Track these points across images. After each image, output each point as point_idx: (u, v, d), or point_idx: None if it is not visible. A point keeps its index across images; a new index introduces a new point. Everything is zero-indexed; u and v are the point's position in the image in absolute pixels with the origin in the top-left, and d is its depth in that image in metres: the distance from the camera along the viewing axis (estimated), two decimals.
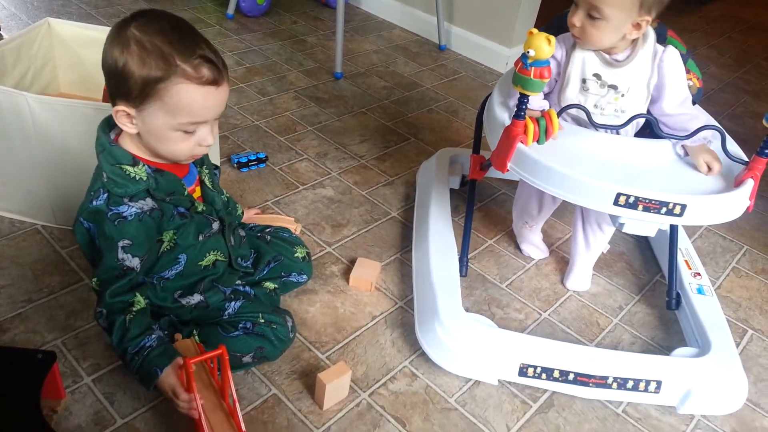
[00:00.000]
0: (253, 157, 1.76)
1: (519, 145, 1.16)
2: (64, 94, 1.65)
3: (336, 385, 1.11)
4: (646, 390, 1.21)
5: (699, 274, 1.48)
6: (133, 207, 0.97)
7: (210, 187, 1.13)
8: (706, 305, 1.39)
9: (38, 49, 1.56)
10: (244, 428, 0.97)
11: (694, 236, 1.76)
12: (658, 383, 1.21)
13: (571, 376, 1.21)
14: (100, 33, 1.59)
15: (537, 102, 1.21)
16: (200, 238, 1.10)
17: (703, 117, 1.27)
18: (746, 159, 1.19)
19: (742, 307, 1.53)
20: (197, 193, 1.11)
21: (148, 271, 1.09)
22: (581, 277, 1.51)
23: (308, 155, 1.87)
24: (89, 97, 1.57)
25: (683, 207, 1.10)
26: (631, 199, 1.10)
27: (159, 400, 1.10)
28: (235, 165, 1.75)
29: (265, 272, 1.29)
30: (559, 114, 1.18)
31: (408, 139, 2.02)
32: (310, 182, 1.75)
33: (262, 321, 1.15)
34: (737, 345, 1.41)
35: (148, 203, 0.99)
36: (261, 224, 1.40)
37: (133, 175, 0.97)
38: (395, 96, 2.28)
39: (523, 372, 1.22)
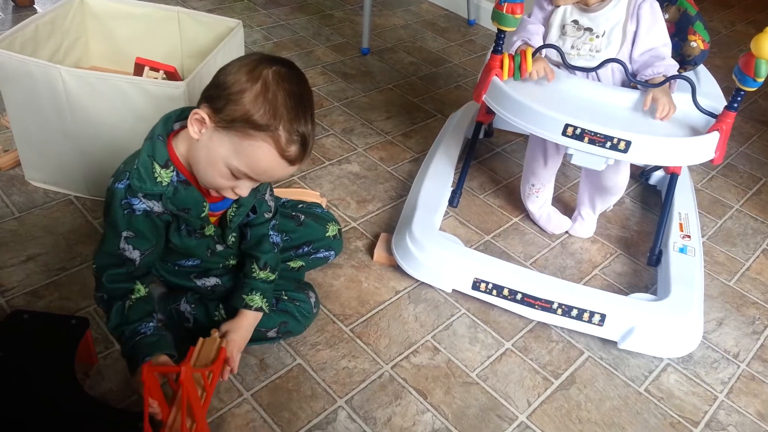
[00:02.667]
0: None
1: (494, 78, 1.32)
2: (96, 67, 1.67)
3: None
4: (589, 321, 1.26)
5: (689, 236, 1.49)
6: (143, 203, 0.97)
7: (228, 222, 1.09)
8: (682, 262, 1.42)
9: (71, 23, 1.58)
10: None
11: (725, 216, 1.73)
12: (603, 316, 1.26)
13: (518, 296, 1.29)
14: (132, 7, 1.61)
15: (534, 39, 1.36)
16: (208, 253, 1.12)
17: (671, 63, 1.33)
18: (716, 113, 1.27)
19: None
20: (214, 218, 1.08)
21: (164, 258, 1.11)
22: (585, 227, 1.59)
23: (334, 131, 1.88)
24: (121, 70, 1.59)
25: (628, 143, 1.20)
26: (578, 131, 1.21)
27: None
28: None
29: (293, 255, 1.31)
30: (535, 53, 1.32)
31: (435, 116, 2.01)
32: (336, 158, 1.76)
33: (286, 298, 1.18)
34: (765, 328, 1.40)
35: (159, 207, 0.98)
36: (292, 200, 1.42)
37: (156, 176, 0.96)
38: (422, 72, 2.27)
39: (476, 286, 1.31)
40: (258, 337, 1.16)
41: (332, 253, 1.37)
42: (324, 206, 1.50)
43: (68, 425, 0.92)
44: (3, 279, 1.26)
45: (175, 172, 0.97)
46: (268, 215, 1.16)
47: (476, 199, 1.67)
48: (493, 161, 1.83)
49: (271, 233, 1.17)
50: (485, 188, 1.71)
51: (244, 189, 0.96)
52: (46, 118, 1.36)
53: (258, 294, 1.12)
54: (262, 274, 1.14)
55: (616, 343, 1.28)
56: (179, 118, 1.01)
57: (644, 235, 1.61)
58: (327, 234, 1.35)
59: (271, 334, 1.17)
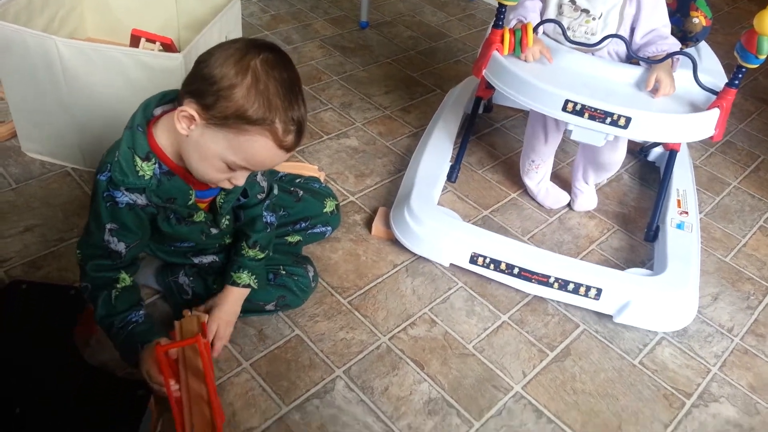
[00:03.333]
0: None
1: (495, 53, 1.32)
2: (91, 39, 1.66)
3: None
4: (586, 295, 1.28)
5: (687, 213, 1.50)
6: (126, 196, 0.95)
7: (219, 208, 1.07)
8: (679, 238, 1.42)
9: None
10: (221, 416, 0.97)
11: (723, 193, 1.73)
12: (599, 290, 1.27)
13: (516, 270, 1.29)
14: None
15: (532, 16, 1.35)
16: (203, 237, 1.10)
17: (674, 41, 1.32)
18: (717, 90, 1.27)
19: (767, 265, 1.52)
20: (203, 205, 1.06)
21: (159, 241, 1.10)
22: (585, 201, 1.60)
23: (333, 105, 1.87)
24: (117, 42, 1.58)
25: (628, 119, 1.19)
26: (578, 107, 1.21)
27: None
28: None
29: (290, 230, 1.31)
30: (535, 29, 1.32)
31: (434, 91, 2.00)
32: (334, 132, 1.75)
33: (284, 272, 1.18)
34: (759, 303, 1.41)
35: (142, 199, 0.96)
36: (290, 174, 1.41)
37: (138, 169, 0.93)
38: (422, 46, 2.25)
39: (473, 260, 1.32)
40: (256, 309, 1.17)
41: (329, 228, 1.37)
42: (322, 180, 1.50)
43: (69, 394, 0.93)
44: (1, 249, 1.27)
45: (157, 164, 0.94)
46: (261, 196, 1.13)
47: (475, 174, 1.67)
48: (492, 136, 1.83)
49: (265, 213, 1.14)
50: (484, 163, 1.71)
51: (241, 179, 0.94)
52: (41, 89, 1.35)
53: (246, 272, 1.12)
54: (251, 252, 1.13)
55: (611, 317, 1.29)
56: (159, 103, 0.97)
57: (642, 211, 1.62)
58: (324, 210, 1.35)
59: (269, 307, 1.18)
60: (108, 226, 0.97)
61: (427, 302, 1.29)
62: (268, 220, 1.16)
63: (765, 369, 1.26)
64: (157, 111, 0.97)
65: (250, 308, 1.16)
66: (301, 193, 1.33)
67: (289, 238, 1.30)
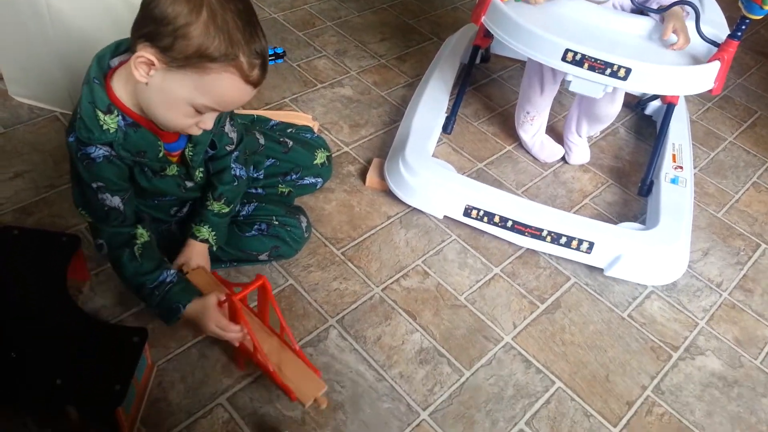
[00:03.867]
0: (270, 52, 1.72)
1: (495, 0, 1.30)
2: None
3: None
4: (578, 249, 1.29)
5: (681, 167, 1.50)
6: (100, 149, 0.91)
7: (189, 161, 1.03)
8: (672, 192, 1.43)
9: None
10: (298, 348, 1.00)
11: (718, 148, 1.73)
12: (591, 244, 1.28)
13: (509, 223, 1.30)
14: None
15: None
16: (181, 190, 1.07)
17: None
18: (719, 42, 1.25)
19: (758, 221, 1.53)
20: (175, 157, 1.03)
21: (141, 196, 1.06)
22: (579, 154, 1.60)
23: (327, 52, 1.82)
24: None
25: (628, 71, 1.18)
26: (578, 57, 1.19)
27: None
28: None
29: (279, 180, 1.29)
30: None
31: (430, 39, 1.96)
32: (328, 80, 1.72)
33: (277, 223, 1.17)
34: (749, 258, 1.42)
35: (115, 151, 0.93)
36: (282, 123, 1.39)
37: (102, 123, 0.89)
38: None
39: (467, 213, 1.32)
40: (250, 259, 1.17)
41: (320, 180, 1.36)
42: (315, 130, 1.48)
43: (63, 340, 0.93)
44: None
45: (120, 116, 0.90)
46: (229, 147, 1.10)
47: (470, 126, 1.65)
48: (489, 88, 1.80)
49: (234, 165, 1.11)
50: (480, 115, 1.69)
51: (209, 122, 0.91)
52: (27, 30, 1.30)
53: (206, 227, 1.09)
54: (216, 206, 1.10)
55: (602, 270, 1.30)
56: (114, 53, 0.92)
57: (636, 166, 1.61)
58: (315, 161, 1.33)
59: (263, 257, 1.18)
60: (94, 185, 0.94)
61: (420, 254, 1.30)
62: (237, 173, 1.12)
63: (751, 323, 1.28)
64: (114, 62, 0.93)
65: (243, 258, 1.17)
66: (291, 143, 1.31)
67: (280, 188, 1.29)
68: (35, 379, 0.88)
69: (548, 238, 1.29)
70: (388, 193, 1.40)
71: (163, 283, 0.99)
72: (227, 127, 1.08)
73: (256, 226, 1.16)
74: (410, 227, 1.35)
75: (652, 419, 1.09)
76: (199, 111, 0.88)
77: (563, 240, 1.28)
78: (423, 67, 1.80)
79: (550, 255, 1.33)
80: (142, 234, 1.00)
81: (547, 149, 1.57)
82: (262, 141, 1.26)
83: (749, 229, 1.50)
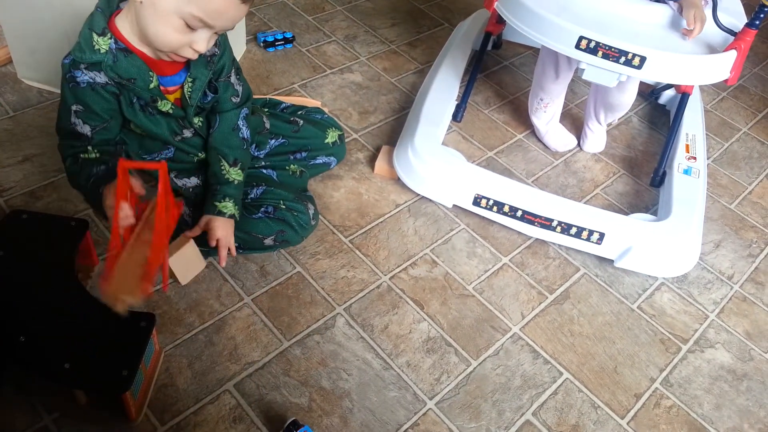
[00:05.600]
0: (279, 37, 1.71)
1: None
2: None
3: (181, 257, 1.02)
4: (588, 239, 1.28)
5: (695, 158, 1.48)
6: (86, 75, 0.97)
7: (188, 99, 1.05)
8: (685, 183, 1.41)
9: None
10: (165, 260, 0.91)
11: (732, 139, 1.71)
12: (601, 235, 1.27)
13: (519, 213, 1.29)
14: None
15: None
16: (176, 138, 1.08)
17: None
18: (735, 30, 1.23)
19: None
20: (175, 96, 1.06)
21: (139, 150, 1.10)
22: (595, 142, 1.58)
23: (336, 37, 1.81)
24: None
25: (642, 59, 1.15)
26: (592, 44, 1.17)
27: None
28: (262, 44, 1.70)
29: (290, 158, 1.28)
30: None
31: (441, 25, 1.94)
32: (338, 66, 1.71)
33: (284, 207, 1.16)
34: (761, 251, 1.41)
35: (102, 78, 0.97)
36: (293, 105, 1.38)
37: (94, 43, 0.95)
38: None
39: (476, 202, 1.31)
40: (255, 245, 1.16)
41: (333, 159, 1.35)
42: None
43: (71, 325, 0.93)
44: (0, 179, 1.25)
45: (112, 40, 0.96)
46: (235, 99, 1.12)
47: (481, 113, 1.64)
48: (500, 75, 1.78)
49: (241, 124, 1.13)
50: (490, 103, 1.67)
51: (202, 42, 0.94)
52: (36, 13, 1.30)
53: (231, 201, 1.09)
54: (233, 173, 1.11)
55: (612, 261, 1.29)
56: None
57: (649, 156, 1.60)
58: (326, 140, 1.32)
59: (268, 242, 1.17)
60: (73, 107, 0.99)
61: (429, 243, 1.29)
62: (245, 135, 1.14)
63: (762, 317, 1.27)
64: (123, 5, 0.98)
65: (249, 242, 1.16)
66: (301, 122, 1.30)
67: (292, 168, 1.28)
68: (44, 364, 0.88)
69: (558, 229, 1.28)
70: (397, 181, 1.39)
71: (92, 174, 0.99)
72: (233, 78, 1.11)
73: (262, 209, 1.15)
74: (419, 216, 1.34)
75: (660, 412, 1.09)
76: (190, 26, 0.91)
77: (573, 230, 1.27)
78: (433, 53, 1.78)
79: (559, 245, 1.32)
80: (91, 152, 1.02)
81: (559, 138, 1.55)
82: (267, 125, 1.25)
83: (762, 222, 1.48)
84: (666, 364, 1.16)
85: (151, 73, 0.99)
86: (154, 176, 1.05)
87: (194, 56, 0.97)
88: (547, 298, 1.23)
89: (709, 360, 1.18)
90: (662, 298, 1.27)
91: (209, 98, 1.09)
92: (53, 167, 1.29)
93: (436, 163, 1.33)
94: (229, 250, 1.11)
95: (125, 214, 0.85)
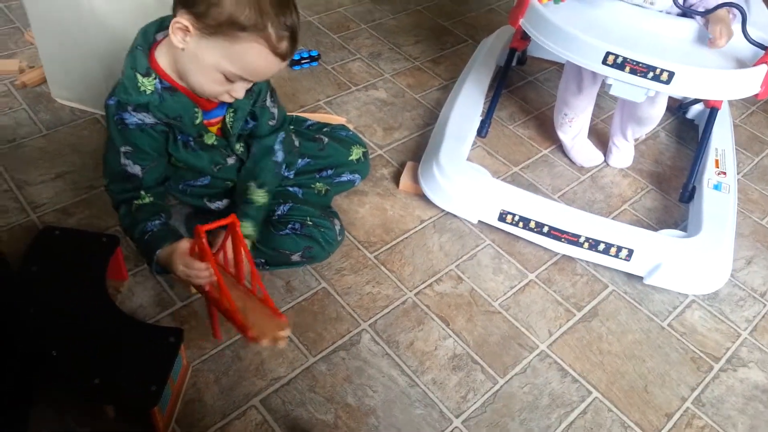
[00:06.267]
0: (305, 55, 1.73)
1: (533, 2, 1.29)
2: None
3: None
4: (616, 256, 1.26)
5: (725, 173, 1.46)
6: (134, 117, 0.97)
7: (230, 128, 1.06)
8: (715, 199, 1.39)
9: None
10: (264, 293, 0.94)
11: (762, 154, 1.67)
12: (630, 251, 1.25)
13: (545, 229, 1.27)
14: None
15: None
16: (215, 169, 1.09)
17: None
18: (766, 45, 1.21)
19: None
20: (215, 128, 1.07)
21: (175, 179, 1.10)
22: (621, 157, 1.57)
23: (361, 55, 1.82)
24: None
25: (671, 74, 1.14)
26: (620, 60, 1.16)
27: None
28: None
29: (316, 177, 1.29)
30: None
31: (465, 41, 1.94)
32: (362, 83, 1.72)
33: (311, 223, 1.17)
34: None
35: (151, 118, 0.98)
36: (318, 123, 1.39)
37: (140, 85, 0.95)
38: None
39: (502, 218, 1.30)
40: (282, 261, 1.17)
41: (357, 176, 1.36)
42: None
43: (101, 340, 0.95)
44: (34, 195, 1.28)
45: (157, 80, 0.96)
46: (272, 123, 1.13)
47: (505, 129, 1.63)
48: (525, 90, 1.78)
49: (277, 148, 1.14)
50: (515, 118, 1.67)
51: (240, 90, 0.95)
52: (70, 34, 1.33)
53: (250, 222, 1.10)
54: (259, 195, 1.11)
55: (641, 278, 1.27)
56: (160, 28, 0.98)
57: (677, 171, 1.57)
58: (350, 158, 1.33)
59: (295, 258, 1.17)
60: (122, 149, 0.99)
61: (454, 259, 1.29)
62: (279, 158, 1.15)
63: None
64: (159, 36, 0.99)
65: (276, 258, 1.16)
66: (326, 140, 1.31)
67: (317, 186, 1.29)
68: (74, 378, 0.90)
69: (586, 245, 1.26)
70: (422, 197, 1.39)
71: (146, 231, 1.00)
72: (268, 102, 1.11)
73: (290, 226, 1.16)
74: (444, 231, 1.34)
75: None
76: (228, 79, 0.92)
77: (601, 247, 1.26)
78: (457, 69, 1.79)
79: (587, 262, 1.31)
80: (144, 197, 1.03)
81: (585, 153, 1.54)
82: (296, 143, 1.26)
83: None
84: (697, 383, 1.13)
85: (196, 109, 1.00)
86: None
87: (231, 101, 0.98)
88: (575, 315, 1.22)
89: (742, 379, 1.15)
90: (693, 315, 1.24)
91: (249, 125, 1.11)
92: (85, 184, 1.31)
93: (461, 179, 1.33)
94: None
95: (210, 273, 0.91)
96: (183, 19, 0.88)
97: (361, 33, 1.92)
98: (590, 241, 1.26)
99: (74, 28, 1.31)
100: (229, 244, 0.96)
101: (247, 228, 1.10)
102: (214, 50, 0.89)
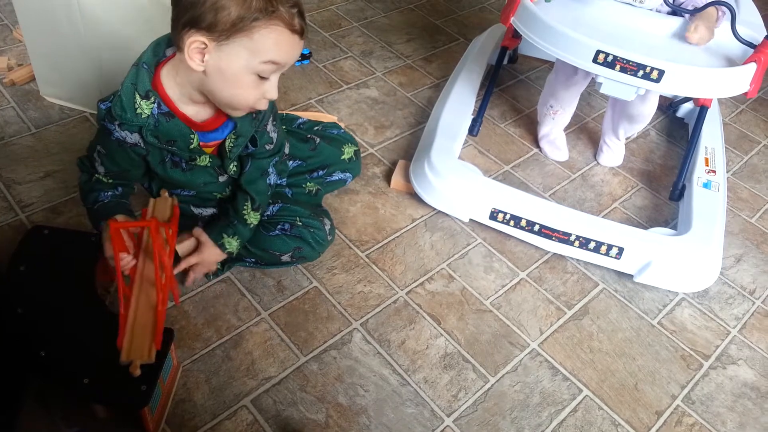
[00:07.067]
0: None
1: (524, 0, 1.29)
2: None
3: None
4: (607, 254, 1.26)
5: (714, 171, 1.47)
6: (117, 132, 0.95)
7: (228, 152, 1.04)
8: (705, 197, 1.40)
9: None
10: (170, 301, 0.95)
11: (752, 152, 1.69)
12: (620, 249, 1.25)
13: (536, 227, 1.28)
14: None
15: None
16: (203, 185, 1.08)
17: None
18: (755, 43, 1.22)
19: None
20: (212, 149, 1.05)
21: (154, 183, 1.10)
22: (611, 156, 1.58)
23: (353, 53, 1.82)
24: None
25: (661, 72, 1.15)
26: (610, 58, 1.17)
27: (207, 285, 1.15)
28: None
29: (307, 178, 1.29)
30: None
31: (457, 40, 1.95)
32: (354, 81, 1.72)
33: (300, 224, 1.16)
34: None
35: (134, 138, 0.96)
36: (310, 121, 1.39)
37: (136, 106, 0.93)
38: None
39: (493, 216, 1.31)
40: (273, 261, 1.17)
41: (349, 175, 1.35)
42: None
43: (90, 340, 0.94)
44: (22, 194, 1.27)
45: (156, 104, 0.93)
46: (269, 147, 1.11)
47: (497, 128, 1.64)
48: (516, 89, 1.78)
49: (271, 171, 1.13)
50: (506, 117, 1.67)
51: (274, 89, 0.93)
52: (59, 30, 1.32)
53: (237, 239, 1.10)
54: (253, 217, 1.11)
55: (631, 276, 1.28)
56: (171, 43, 0.94)
57: (668, 170, 1.58)
58: (342, 157, 1.33)
59: (285, 258, 1.17)
60: (98, 147, 1.01)
61: (446, 257, 1.29)
62: (272, 181, 1.14)
63: None
64: (169, 52, 0.96)
65: (266, 259, 1.16)
66: (318, 140, 1.30)
67: (308, 186, 1.29)
68: (63, 378, 0.89)
69: (576, 243, 1.27)
70: (413, 196, 1.39)
71: (97, 201, 1.03)
72: (269, 126, 1.10)
73: (279, 226, 1.16)
74: (435, 230, 1.34)
75: (682, 429, 1.07)
76: (261, 76, 0.90)
77: (592, 245, 1.26)
78: (449, 68, 1.79)
79: (577, 260, 1.31)
80: (102, 179, 1.04)
81: (556, 148, 1.55)
82: (286, 150, 1.25)
83: None
84: (687, 380, 1.14)
85: (192, 134, 0.98)
86: (152, 192, 1.07)
87: (265, 108, 0.97)
88: (565, 313, 1.22)
89: (731, 377, 1.16)
90: (683, 313, 1.25)
91: (249, 150, 1.09)
92: (74, 183, 1.30)
93: (453, 178, 1.33)
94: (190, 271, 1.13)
95: (125, 262, 0.94)
96: (196, 37, 0.85)
97: (353, 31, 1.91)
98: (581, 239, 1.26)
99: (63, 24, 1.30)
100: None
101: (232, 245, 1.10)
102: (238, 52, 0.87)
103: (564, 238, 1.27)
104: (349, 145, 1.34)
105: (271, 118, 1.09)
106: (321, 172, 1.30)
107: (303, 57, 1.73)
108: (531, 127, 1.65)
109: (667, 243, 1.27)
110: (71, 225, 1.22)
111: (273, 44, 0.87)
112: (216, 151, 1.06)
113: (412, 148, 1.51)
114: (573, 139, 1.61)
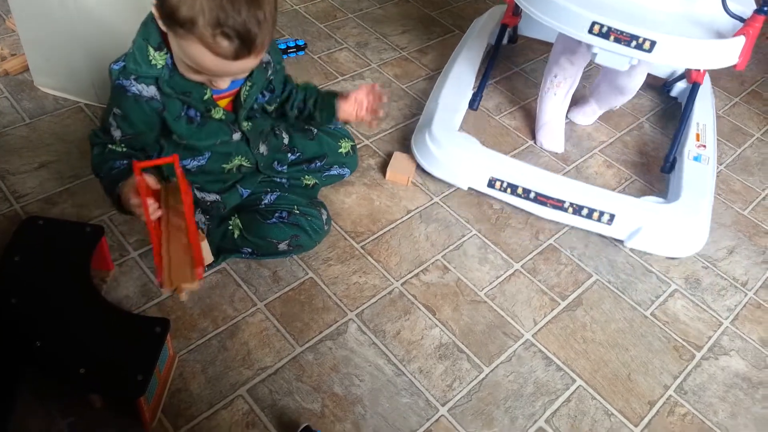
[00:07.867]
0: (292, 44, 1.72)
1: None
2: None
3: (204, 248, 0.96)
4: (599, 220, 1.31)
5: (704, 146, 1.51)
6: (134, 87, 0.95)
7: (242, 103, 1.04)
8: (694, 169, 1.44)
9: None
10: (202, 254, 0.89)
11: (745, 145, 1.70)
12: (612, 216, 1.30)
13: (532, 195, 1.33)
14: None
15: None
16: (218, 142, 1.07)
17: None
18: (744, 17, 1.25)
19: None
20: (225, 102, 1.04)
21: (176, 149, 1.07)
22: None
23: (348, 44, 1.82)
24: None
25: (653, 43, 1.19)
26: (605, 29, 1.21)
27: (204, 276, 1.15)
28: None
29: (306, 169, 1.29)
30: None
31: (452, 32, 1.94)
32: (349, 73, 1.71)
33: (298, 212, 1.17)
34: None
35: (150, 91, 0.95)
36: None
37: (150, 58, 0.93)
38: None
39: (491, 184, 1.36)
40: (269, 250, 1.17)
41: (346, 170, 1.36)
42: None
43: (86, 330, 0.94)
44: (17, 185, 1.27)
45: (168, 55, 0.93)
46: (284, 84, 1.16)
47: (492, 120, 1.64)
48: (512, 81, 1.78)
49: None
50: (501, 109, 1.68)
51: (220, 81, 0.93)
52: (52, 20, 1.31)
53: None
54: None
55: (624, 269, 1.29)
56: None
57: (661, 162, 1.58)
58: (339, 150, 1.33)
59: (282, 246, 1.17)
60: (114, 110, 0.98)
61: (440, 249, 1.29)
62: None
63: None
64: None
65: (263, 247, 1.16)
66: (315, 131, 1.31)
67: (306, 180, 1.29)
68: (59, 368, 0.89)
69: (570, 210, 1.32)
70: (408, 187, 1.40)
71: (113, 168, 0.99)
72: (278, 67, 1.11)
73: (277, 214, 1.16)
74: (430, 222, 1.34)
75: (675, 419, 1.08)
76: (199, 72, 0.90)
77: (584, 211, 1.30)
78: (444, 59, 1.79)
79: (571, 252, 1.32)
80: (118, 146, 1.01)
81: (553, 136, 1.56)
82: (286, 141, 1.25)
83: None
84: (680, 371, 1.15)
85: (205, 86, 0.97)
86: (163, 174, 1.06)
87: (223, 88, 0.96)
88: (559, 304, 1.23)
89: (723, 367, 1.17)
90: (675, 304, 1.26)
91: (266, 97, 1.10)
92: (69, 174, 1.30)
93: (453, 148, 1.38)
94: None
95: (153, 208, 0.87)
96: (154, 8, 0.86)
97: (348, 22, 1.91)
98: (574, 206, 1.31)
99: (56, 13, 1.30)
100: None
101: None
102: (174, 42, 0.88)
103: (558, 204, 1.31)
104: (346, 140, 1.35)
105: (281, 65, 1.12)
106: (319, 164, 1.30)
107: (298, 48, 1.73)
108: (526, 119, 1.65)
109: (657, 210, 1.31)
110: (66, 215, 1.22)
111: (194, 57, 0.86)
112: (230, 106, 1.05)
113: (407, 139, 1.51)
114: (567, 132, 1.62)
